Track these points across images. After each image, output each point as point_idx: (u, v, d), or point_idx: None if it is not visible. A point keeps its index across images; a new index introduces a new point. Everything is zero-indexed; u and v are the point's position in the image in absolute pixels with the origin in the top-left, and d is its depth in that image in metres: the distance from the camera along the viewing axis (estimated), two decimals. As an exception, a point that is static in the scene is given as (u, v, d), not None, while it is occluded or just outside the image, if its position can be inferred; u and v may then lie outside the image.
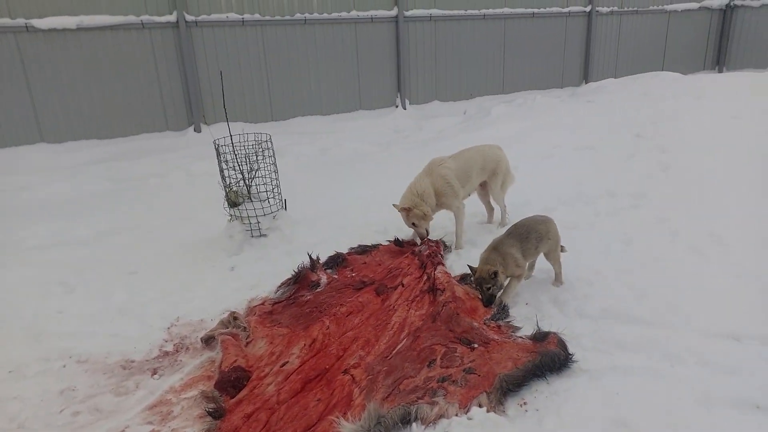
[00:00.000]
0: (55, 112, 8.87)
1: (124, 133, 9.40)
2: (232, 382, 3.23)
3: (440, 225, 5.53)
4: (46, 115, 8.82)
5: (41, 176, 8.27)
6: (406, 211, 4.95)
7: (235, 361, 3.39)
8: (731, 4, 15.90)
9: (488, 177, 5.34)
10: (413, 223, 5.03)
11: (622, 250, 4.66)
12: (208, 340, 3.72)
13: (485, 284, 3.85)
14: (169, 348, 3.76)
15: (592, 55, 14.28)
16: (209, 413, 2.97)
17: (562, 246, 4.23)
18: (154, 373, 3.50)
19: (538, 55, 13.52)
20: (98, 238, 5.92)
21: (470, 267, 3.99)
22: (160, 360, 3.63)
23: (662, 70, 13.33)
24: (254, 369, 3.43)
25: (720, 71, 16.26)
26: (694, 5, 15.50)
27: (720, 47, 16.39)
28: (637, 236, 4.83)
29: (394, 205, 5.07)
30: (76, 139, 9.03)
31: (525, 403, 2.96)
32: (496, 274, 3.79)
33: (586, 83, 13.94)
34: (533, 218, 4.22)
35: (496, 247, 3.99)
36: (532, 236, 4.03)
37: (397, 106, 11.81)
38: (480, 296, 3.91)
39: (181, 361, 3.61)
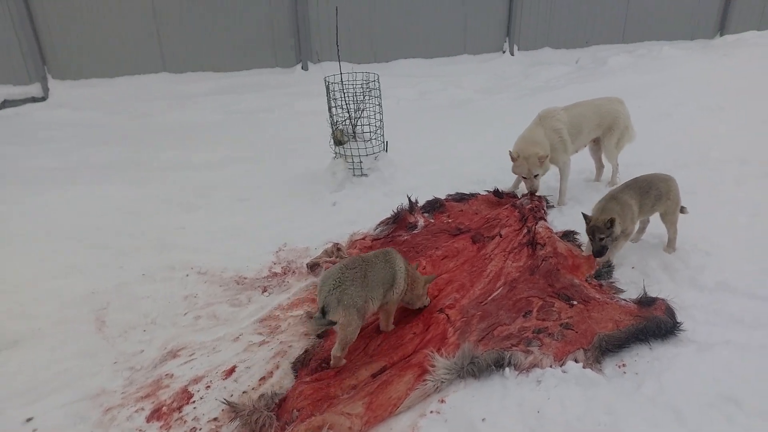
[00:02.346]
0: (177, 43, 9.48)
1: (236, 68, 9.88)
2: (334, 307, 3.45)
3: (543, 180, 5.32)
4: (169, 46, 9.44)
5: (162, 104, 8.99)
6: (540, 158, 4.54)
7: (337, 288, 3.60)
8: None
9: (603, 133, 5.01)
10: (524, 177, 4.71)
11: (747, 222, 4.24)
12: (313, 267, 3.97)
13: (599, 233, 3.62)
14: (278, 270, 4.08)
15: (734, 2, 12.52)
16: (313, 331, 3.22)
17: (682, 207, 3.94)
18: (264, 290, 3.82)
19: (668, 1, 12.10)
20: (213, 165, 6.40)
21: (584, 215, 3.80)
22: (270, 279, 3.96)
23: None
24: (353, 298, 3.63)
25: None
26: None
27: None
28: (767, 209, 4.37)
29: (510, 152, 4.70)
30: (194, 71, 9.63)
31: (624, 365, 2.89)
32: (612, 222, 3.58)
33: (722, 36, 12.37)
34: (655, 174, 3.95)
35: (614, 197, 3.76)
36: (652, 192, 3.77)
37: (504, 52, 11.28)
38: (592, 246, 3.74)
39: (288, 282, 3.91)
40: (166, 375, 3.08)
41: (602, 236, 3.62)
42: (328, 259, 3.94)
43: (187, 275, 4.07)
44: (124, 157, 6.84)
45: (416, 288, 3.30)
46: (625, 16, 11.93)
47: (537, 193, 4.86)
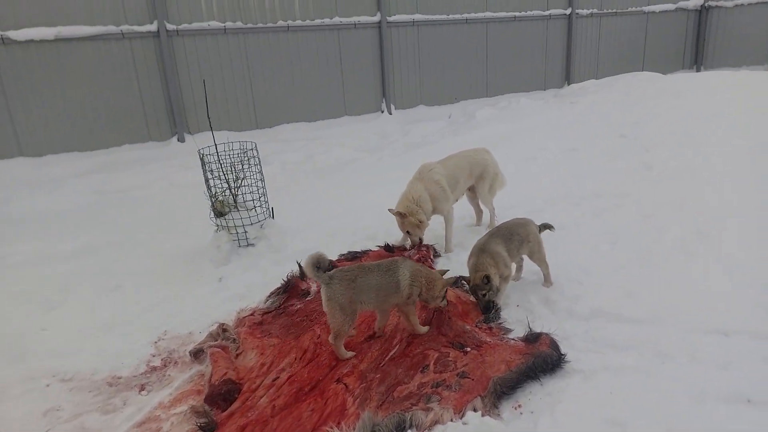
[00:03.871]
0: (34, 125, 8.72)
1: (105, 145, 9.27)
2: (222, 395, 3.17)
3: (429, 228, 5.50)
4: (25, 128, 8.66)
5: (21, 191, 8.10)
6: (402, 217, 4.85)
7: (226, 373, 3.33)
8: (706, 5, 16.27)
9: (476, 181, 5.35)
10: (407, 231, 4.96)
11: (609, 249, 4.68)
12: (197, 354, 3.64)
13: (480, 291, 3.81)
14: (157, 363, 3.68)
15: (574, 57, 14.48)
16: (200, 428, 2.90)
17: (550, 225, 4.28)
18: (142, 389, 3.42)
19: (521, 58, 13.68)
20: (81, 253, 5.80)
21: (463, 278, 3.99)
22: (148, 375, 3.56)
23: (642, 71, 13.56)
24: (245, 381, 3.37)
25: (698, 70, 16.58)
26: (671, 6, 15.84)
27: (697, 47, 16.74)
28: (624, 236, 4.87)
29: (390, 209, 4.97)
30: (56, 153, 8.88)
31: (519, 406, 2.95)
32: (488, 278, 3.77)
33: (569, 84, 14.12)
34: (513, 221, 4.25)
35: (483, 249, 3.96)
36: (514, 238, 4.04)
37: (382, 111, 11.84)
38: (478, 304, 3.89)
39: (169, 375, 3.53)
40: None
41: (484, 292, 3.80)
42: (213, 342, 3.65)
43: (48, 385, 3.54)
44: (-29, 255, 5.98)
45: (433, 289, 3.56)
46: (486, 73, 13.21)
47: (423, 243, 5.02)
